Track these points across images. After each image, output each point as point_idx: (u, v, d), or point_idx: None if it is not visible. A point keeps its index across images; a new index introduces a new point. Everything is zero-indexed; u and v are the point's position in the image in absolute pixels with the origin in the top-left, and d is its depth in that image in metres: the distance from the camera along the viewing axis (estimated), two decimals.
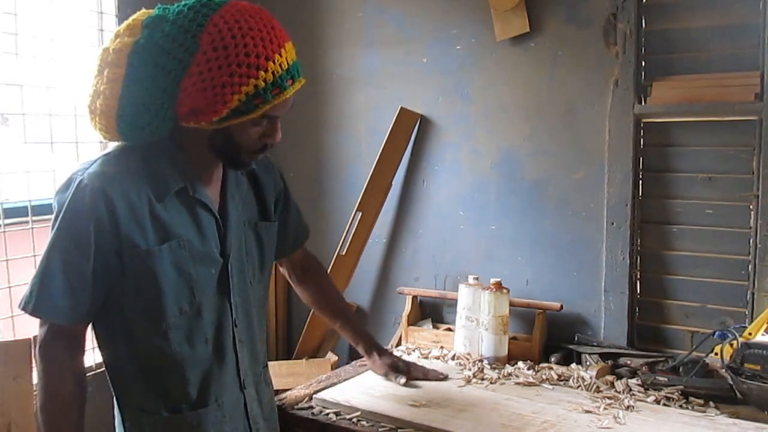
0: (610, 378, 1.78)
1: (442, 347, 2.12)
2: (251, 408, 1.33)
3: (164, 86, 1.09)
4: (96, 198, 1.10)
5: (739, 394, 1.61)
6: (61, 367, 1.18)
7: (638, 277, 2.05)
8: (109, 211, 1.11)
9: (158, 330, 1.19)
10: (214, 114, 1.09)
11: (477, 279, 2.09)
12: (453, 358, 2.00)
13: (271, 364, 2.34)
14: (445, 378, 1.79)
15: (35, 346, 1.18)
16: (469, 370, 1.88)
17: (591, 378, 1.77)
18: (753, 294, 1.88)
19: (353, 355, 2.47)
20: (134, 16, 1.13)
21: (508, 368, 1.90)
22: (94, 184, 1.11)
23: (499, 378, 1.82)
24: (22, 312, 1.15)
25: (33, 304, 1.14)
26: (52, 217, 1.14)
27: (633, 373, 1.82)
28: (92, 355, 2.17)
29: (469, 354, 2.00)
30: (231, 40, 1.06)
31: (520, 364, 1.93)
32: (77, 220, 1.11)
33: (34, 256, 2.01)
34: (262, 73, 1.07)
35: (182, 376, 1.22)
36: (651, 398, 1.65)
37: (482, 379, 1.82)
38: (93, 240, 1.12)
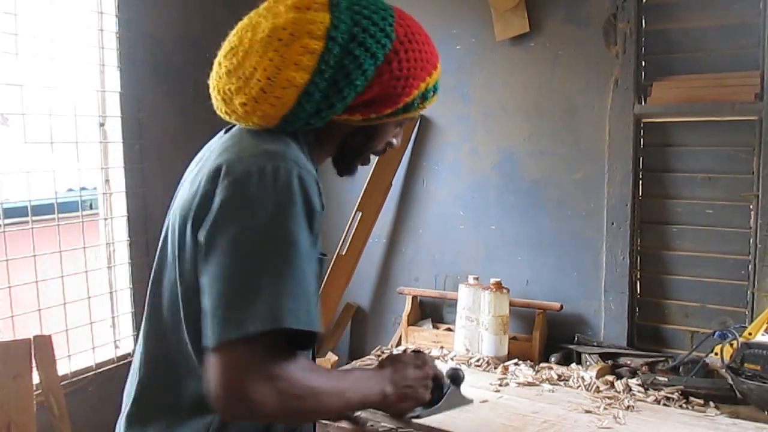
0: (610, 378, 1.78)
1: (442, 347, 2.12)
2: None
3: (365, 68, 1.00)
4: (313, 185, 0.96)
5: (739, 394, 1.61)
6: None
7: (638, 277, 2.05)
8: (321, 204, 0.97)
9: None
10: (392, 105, 1.05)
11: (477, 279, 2.09)
12: (452, 359, 2.00)
13: None
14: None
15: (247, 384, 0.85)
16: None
17: (591, 378, 1.77)
18: (753, 294, 1.88)
19: (353, 355, 2.48)
20: None
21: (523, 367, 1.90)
22: (302, 172, 0.94)
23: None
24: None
25: (279, 317, 0.86)
26: (244, 215, 0.90)
27: (633, 373, 1.82)
28: (92, 355, 2.17)
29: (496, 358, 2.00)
30: (419, 36, 1.08)
31: (521, 364, 1.93)
32: (306, 206, 0.93)
33: (34, 256, 2.01)
34: (434, 73, 1.12)
35: None
36: (651, 398, 1.65)
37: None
38: (316, 232, 0.96)
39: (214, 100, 1.07)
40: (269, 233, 0.89)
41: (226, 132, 1.12)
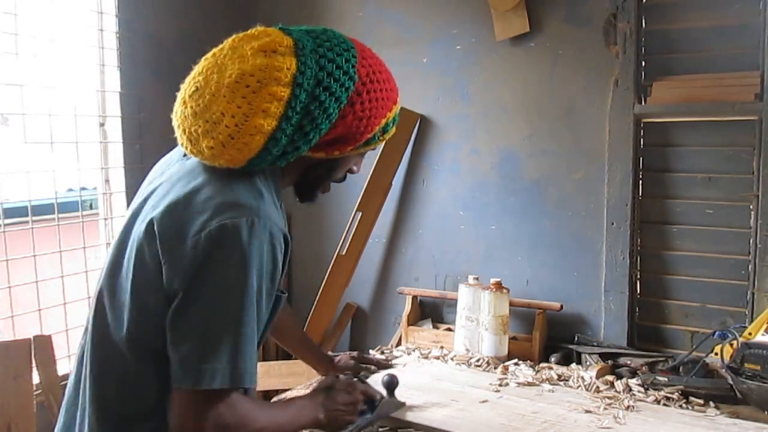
0: (610, 378, 1.78)
1: (442, 347, 2.12)
2: None
3: (330, 112, 1.04)
4: (281, 243, 1.02)
5: (739, 394, 1.61)
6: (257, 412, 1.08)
7: (638, 277, 2.05)
8: (284, 255, 1.05)
9: None
10: (354, 142, 1.10)
11: (477, 279, 2.09)
12: (452, 359, 2.00)
13: (271, 364, 2.36)
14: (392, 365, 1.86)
15: (208, 419, 0.98)
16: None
17: (591, 378, 1.77)
18: (753, 294, 1.88)
19: None
20: (266, 37, 1.03)
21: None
22: (273, 227, 1.01)
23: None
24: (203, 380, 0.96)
25: (239, 377, 0.98)
26: (221, 262, 0.97)
27: (633, 373, 1.82)
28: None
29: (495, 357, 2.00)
30: (380, 75, 1.11)
31: (521, 364, 1.93)
32: (270, 266, 1.01)
33: (34, 256, 2.01)
34: (394, 108, 1.15)
35: None
36: (651, 398, 1.65)
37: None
38: (273, 286, 1.04)
39: (179, 138, 1.07)
40: (239, 292, 0.98)
41: (185, 156, 1.13)
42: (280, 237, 1.02)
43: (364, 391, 1.38)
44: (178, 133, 1.07)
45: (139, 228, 1.04)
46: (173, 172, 1.11)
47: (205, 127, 1.01)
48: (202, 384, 0.96)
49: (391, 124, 1.16)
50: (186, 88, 1.06)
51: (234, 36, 1.06)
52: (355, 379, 1.42)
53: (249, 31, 1.05)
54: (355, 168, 1.22)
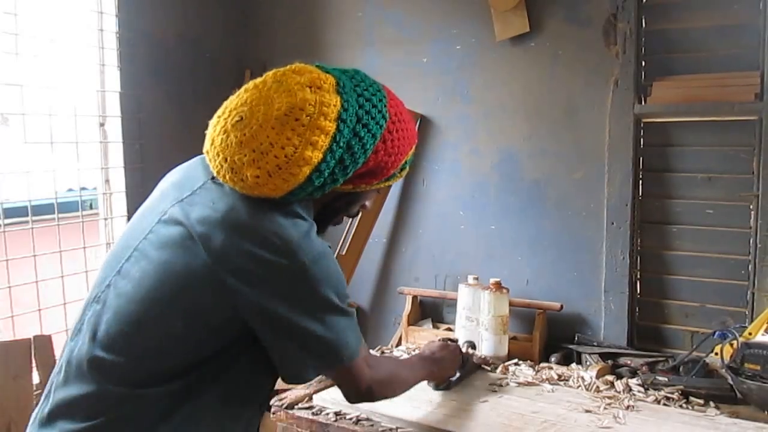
0: (610, 378, 1.78)
1: None
2: None
3: (367, 147, 1.12)
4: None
5: (739, 394, 1.61)
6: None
7: (638, 277, 2.05)
8: None
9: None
10: (381, 176, 1.19)
11: (477, 279, 2.09)
12: None
13: None
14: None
15: (363, 387, 1.21)
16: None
17: (591, 378, 1.77)
18: (753, 294, 1.88)
19: None
20: (309, 73, 1.10)
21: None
22: (328, 251, 1.12)
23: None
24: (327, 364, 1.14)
25: (361, 348, 1.18)
26: (306, 284, 1.07)
27: (633, 373, 1.82)
28: None
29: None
30: (404, 115, 1.20)
31: (521, 364, 1.93)
32: (339, 276, 1.14)
33: (34, 256, 2.01)
34: (413, 148, 1.24)
35: None
36: (651, 398, 1.65)
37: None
38: None
39: (218, 166, 1.09)
40: (325, 293, 1.10)
41: (213, 181, 1.14)
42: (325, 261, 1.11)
43: (459, 350, 1.73)
44: (217, 161, 1.09)
45: (177, 252, 1.06)
46: (214, 197, 1.11)
47: (251, 156, 1.04)
48: (349, 358, 1.14)
49: (408, 163, 1.26)
50: (226, 117, 1.08)
51: (274, 70, 1.12)
52: (449, 341, 1.73)
53: (290, 67, 1.12)
54: (368, 203, 1.30)
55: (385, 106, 1.15)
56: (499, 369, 1.88)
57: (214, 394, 1.09)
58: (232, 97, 1.11)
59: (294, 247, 1.05)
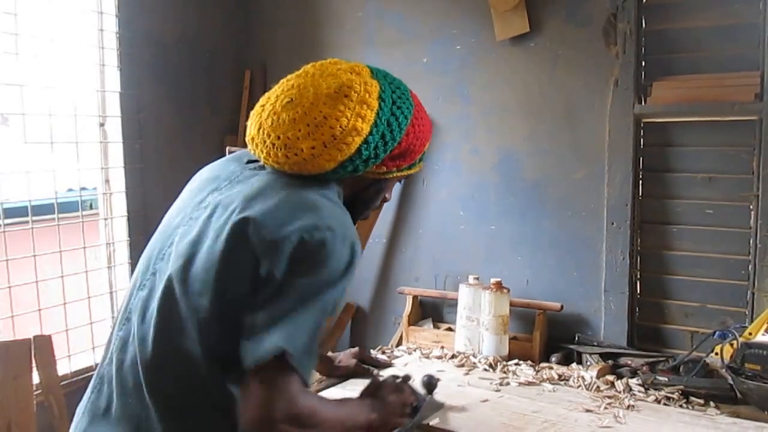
0: (610, 378, 1.78)
1: (442, 347, 2.12)
2: None
3: (402, 126, 1.20)
4: (358, 253, 1.12)
5: (739, 394, 1.61)
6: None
7: (638, 277, 2.05)
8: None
9: None
10: (410, 159, 1.25)
11: (477, 279, 2.09)
12: (453, 357, 2.00)
13: None
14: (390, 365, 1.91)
15: (275, 410, 0.98)
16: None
17: (591, 378, 1.77)
18: (753, 294, 1.88)
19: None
20: (345, 63, 1.22)
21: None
22: (354, 240, 1.11)
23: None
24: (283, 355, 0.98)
25: (303, 359, 1.03)
26: (311, 261, 1.05)
27: (633, 373, 1.82)
28: (92, 355, 2.17)
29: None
30: (421, 106, 1.28)
31: (521, 363, 1.93)
32: (348, 275, 1.10)
33: (34, 256, 2.01)
34: (431, 135, 1.33)
35: None
36: (651, 398, 1.66)
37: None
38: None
39: (268, 147, 1.14)
40: (324, 291, 1.06)
41: (250, 164, 1.22)
42: (359, 252, 1.12)
43: (411, 392, 1.39)
44: (268, 141, 1.15)
45: (221, 231, 1.08)
46: (252, 181, 1.16)
47: (306, 131, 1.12)
48: (293, 358, 0.99)
49: (424, 156, 1.32)
50: (273, 102, 1.17)
51: (311, 64, 1.23)
52: (399, 380, 1.39)
53: (324, 60, 1.24)
54: (388, 195, 1.35)
55: (409, 93, 1.25)
56: (500, 369, 1.89)
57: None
58: (270, 91, 1.20)
59: (331, 227, 1.07)
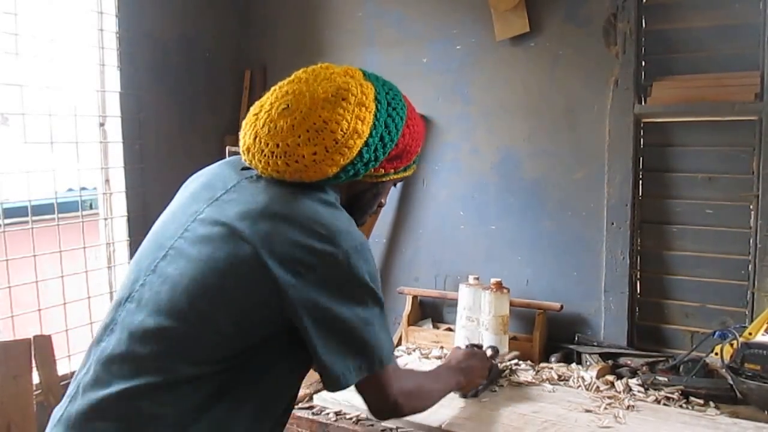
0: (610, 378, 1.78)
1: (442, 347, 2.12)
2: None
3: (399, 128, 1.20)
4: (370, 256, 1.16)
5: (739, 394, 1.61)
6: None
7: (638, 277, 2.05)
8: None
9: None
10: (407, 160, 1.25)
11: (477, 279, 2.09)
12: None
13: None
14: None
15: (391, 399, 1.17)
16: None
17: (591, 378, 1.77)
18: (753, 294, 1.88)
19: None
20: (338, 67, 1.21)
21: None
22: (362, 240, 1.13)
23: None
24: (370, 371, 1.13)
25: (390, 356, 1.17)
26: (357, 279, 1.10)
27: (633, 373, 1.82)
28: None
29: None
30: (413, 107, 1.28)
31: (521, 363, 1.93)
32: (375, 267, 1.16)
33: (34, 256, 2.01)
34: (424, 136, 1.33)
35: None
36: (651, 398, 1.66)
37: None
38: None
39: (266, 156, 1.11)
40: (370, 299, 1.14)
41: (246, 171, 1.19)
42: (369, 250, 1.15)
43: (487, 359, 1.70)
44: (265, 151, 1.12)
45: (224, 247, 1.06)
46: (252, 192, 1.13)
47: (306, 136, 1.10)
48: (381, 363, 1.12)
49: (418, 158, 1.34)
50: (268, 110, 1.14)
51: (302, 69, 1.20)
52: (478, 349, 1.72)
53: (315, 66, 1.21)
54: (383, 200, 1.35)
55: (401, 96, 1.25)
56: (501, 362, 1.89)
57: (244, 398, 1.09)
58: (262, 99, 1.17)
59: (339, 236, 1.07)
